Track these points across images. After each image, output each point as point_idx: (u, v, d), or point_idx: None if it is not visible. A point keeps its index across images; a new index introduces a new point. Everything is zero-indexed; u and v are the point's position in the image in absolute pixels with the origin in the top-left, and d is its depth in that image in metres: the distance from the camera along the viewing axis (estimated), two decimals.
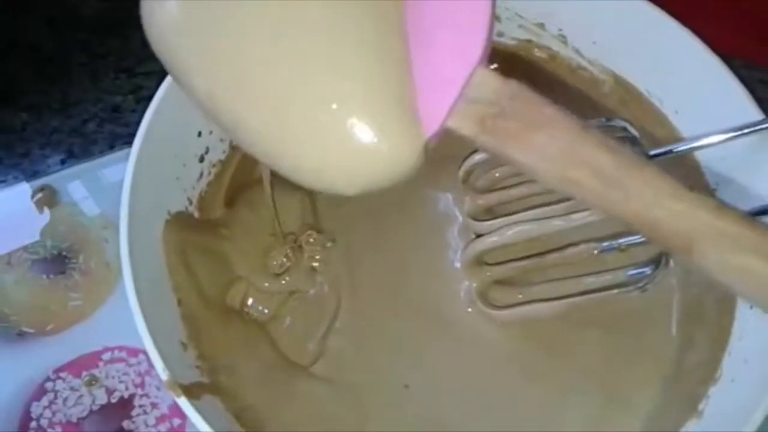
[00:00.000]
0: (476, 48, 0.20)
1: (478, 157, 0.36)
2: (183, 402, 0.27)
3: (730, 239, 0.20)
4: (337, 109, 0.19)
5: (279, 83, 0.20)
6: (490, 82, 0.20)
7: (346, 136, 0.19)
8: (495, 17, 0.20)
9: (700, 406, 0.30)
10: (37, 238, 0.41)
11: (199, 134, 0.35)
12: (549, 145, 0.20)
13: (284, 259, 0.36)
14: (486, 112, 0.20)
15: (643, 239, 0.32)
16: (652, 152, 0.34)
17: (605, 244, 0.33)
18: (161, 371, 0.27)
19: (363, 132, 0.19)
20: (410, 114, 0.20)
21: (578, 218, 0.32)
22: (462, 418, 0.33)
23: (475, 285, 0.35)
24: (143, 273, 0.30)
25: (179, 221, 0.34)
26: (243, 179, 0.38)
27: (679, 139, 0.35)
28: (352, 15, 0.19)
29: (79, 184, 0.42)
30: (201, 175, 0.36)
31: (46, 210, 0.42)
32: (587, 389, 0.34)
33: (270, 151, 0.21)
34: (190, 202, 0.35)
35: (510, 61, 0.39)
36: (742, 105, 0.32)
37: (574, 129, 0.20)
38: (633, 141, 0.34)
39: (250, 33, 0.20)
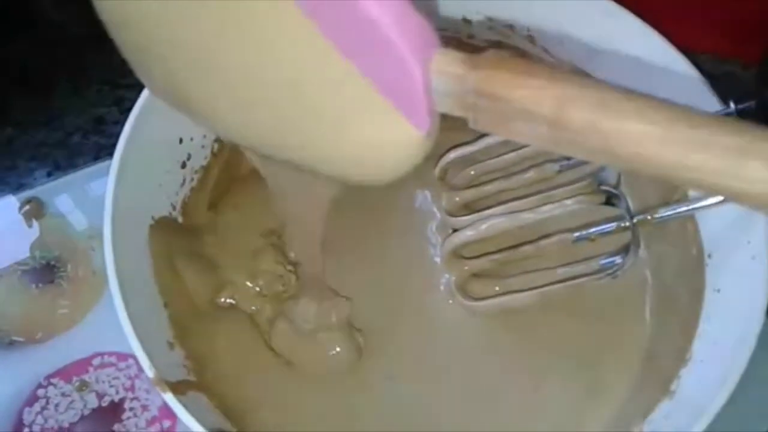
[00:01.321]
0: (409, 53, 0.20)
1: (453, 155, 0.37)
2: (170, 398, 0.27)
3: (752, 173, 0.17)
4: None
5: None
6: (450, 72, 0.20)
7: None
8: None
9: (672, 387, 0.31)
10: (27, 253, 0.42)
11: (180, 141, 0.36)
12: (529, 131, 0.19)
13: (273, 262, 0.37)
14: (463, 101, 0.20)
15: (613, 228, 0.33)
16: None
17: (576, 234, 0.34)
18: (147, 369, 0.28)
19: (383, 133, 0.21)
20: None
21: (546, 210, 0.33)
22: (444, 408, 0.34)
23: (453, 278, 0.36)
24: (129, 277, 0.30)
25: (163, 226, 0.35)
26: (226, 184, 0.39)
27: None
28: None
29: (66, 197, 0.43)
30: (184, 181, 0.37)
31: (35, 224, 0.42)
32: (565, 376, 0.35)
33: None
34: (174, 208, 0.36)
35: None
36: (705, 97, 0.33)
37: (547, 114, 0.19)
38: None
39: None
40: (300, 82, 0.21)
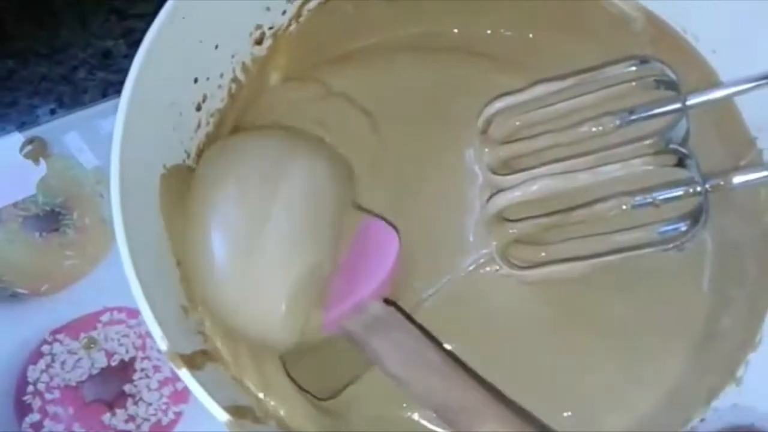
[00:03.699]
0: (368, 289, 0.30)
1: (499, 104, 0.33)
2: (185, 374, 0.25)
3: None
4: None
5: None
6: (373, 309, 0.30)
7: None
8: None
9: (739, 373, 0.28)
10: (33, 191, 0.38)
11: (196, 80, 0.32)
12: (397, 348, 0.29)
13: None
14: (366, 322, 0.30)
15: (681, 193, 0.29)
16: (690, 101, 0.31)
17: (638, 198, 0.30)
18: (160, 341, 0.25)
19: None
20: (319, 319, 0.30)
21: (607, 171, 0.30)
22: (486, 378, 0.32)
23: (495, 243, 0.32)
24: (138, 233, 0.27)
25: (176, 175, 0.31)
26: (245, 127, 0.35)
27: (716, 83, 0.32)
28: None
29: (72, 136, 0.40)
30: (199, 125, 0.33)
31: (42, 162, 0.39)
32: (611, 354, 0.32)
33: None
34: (188, 155, 0.33)
35: None
36: None
37: (410, 356, 0.29)
38: (669, 84, 0.31)
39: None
40: None
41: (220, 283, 0.29)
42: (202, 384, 0.25)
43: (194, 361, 0.26)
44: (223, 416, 0.24)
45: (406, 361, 0.29)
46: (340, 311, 0.30)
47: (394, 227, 0.32)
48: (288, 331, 0.29)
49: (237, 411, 0.25)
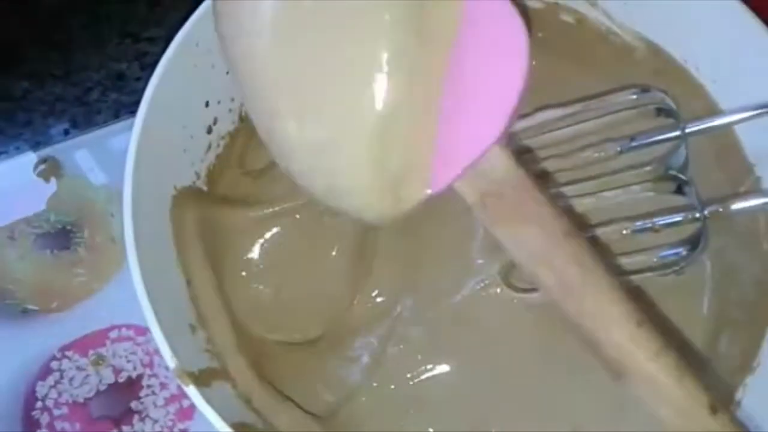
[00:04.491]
0: (496, 128, 0.22)
1: None
2: (192, 392, 0.25)
3: (654, 386, 0.23)
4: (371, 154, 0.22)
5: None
6: (501, 164, 0.22)
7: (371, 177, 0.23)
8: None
9: (737, 396, 0.28)
10: (43, 207, 0.39)
11: (207, 104, 0.33)
12: (528, 242, 0.22)
13: None
14: (487, 189, 0.22)
15: (681, 219, 0.30)
16: (689, 128, 0.32)
17: (638, 223, 0.31)
18: (169, 359, 0.25)
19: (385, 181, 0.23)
20: (424, 174, 0.23)
21: (610, 196, 0.30)
22: (484, 399, 0.32)
23: (498, 265, 0.33)
24: (149, 252, 0.28)
25: (187, 196, 0.32)
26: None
27: (716, 112, 0.33)
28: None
29: (86, 153, 0.41)
30: (209, 147, 0.34)
31: (53, 179, 0.40)
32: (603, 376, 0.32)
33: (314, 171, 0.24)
34: (198, 176, 0.33)
35: (535, 24, 0.36)
36: None
37: (556, 235, 0.23)
38: (669, 113, 0.32)
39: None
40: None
41: (295, 143, 0.23)
42: (209, 401, 0.25)
43: (201, 379, 0.26)
44: None
45: (537, 251, 0.22)
46: (455, 163, 0.22)
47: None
48: (380, 184, 0.22)
49: (243, 428, 0.26)
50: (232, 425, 0.25)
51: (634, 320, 0.23)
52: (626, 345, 0.23)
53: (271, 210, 0.34)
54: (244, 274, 0.34)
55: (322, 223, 0.35)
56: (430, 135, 0.22)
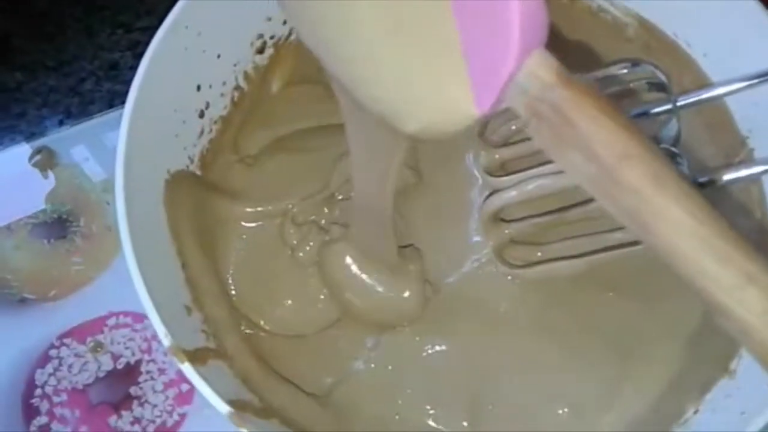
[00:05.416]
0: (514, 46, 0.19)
1: None
2: (187, 368, 0.25)
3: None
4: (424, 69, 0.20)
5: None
6: (540, 76, 0.19)
7: (428, 87, 0.20)
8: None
9: (732, 366, 0.28)
10: (42, 206, 0.39)
11: (198, 88, 0.33)
12: (580, 165, 0.19)
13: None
14: (535, 107, 0.19)
15: None
16: (680, 101, 0.32)
17: None
18: (163, 337, 0.26)
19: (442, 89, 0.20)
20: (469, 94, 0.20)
21: None
22: (481, 378, 0.32)
23: (492, 243, 0.33)
24: (143, 236, 0.28)
25: (180, 181, 0.32)
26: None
27: (708, 85, 0.33)
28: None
29: (79, 146, 0.41)
30: (202, 132, 0.34)
31: (51, 175, 0.40)
32: (607, 348, 0.32)
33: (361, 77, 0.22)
34: (191, 161, 0.33)
35: None
36: None
37: (613, 156, 0.19)
38: (660, 87, 0.32)
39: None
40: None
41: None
42: (204, 378, 0.25)
43: (197, 357, 0.26)
44: (224, 408, 0.25)
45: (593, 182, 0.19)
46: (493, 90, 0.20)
47: None
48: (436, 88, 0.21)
49: (239, 404, 0.26)
50: (229, 402, 0.25)
51: (717, 229, 0.19)
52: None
53: (263, 208, 0.35)
54: (236, 262, 0.34)
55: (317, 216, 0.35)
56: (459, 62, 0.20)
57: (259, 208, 0.35)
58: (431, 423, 0.32)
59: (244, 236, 0.35)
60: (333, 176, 0.35)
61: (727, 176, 0.30)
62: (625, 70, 0.32)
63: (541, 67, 0.19)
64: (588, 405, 0.32)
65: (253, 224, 0.35)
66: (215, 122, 0.35)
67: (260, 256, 0.34)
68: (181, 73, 0.31)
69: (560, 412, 0.32)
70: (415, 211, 0.35)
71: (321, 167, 0.35)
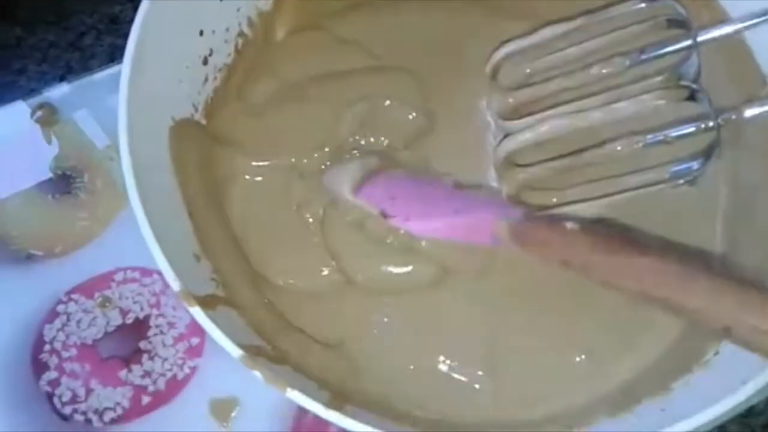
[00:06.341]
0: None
1: (505, 49, 0.33)
2: (197, 312, 0.25)
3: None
4: None
5: None
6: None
7: None
8: None
9: None
10: (49, 174, 0.38)
11: (201, 33, 0.32)
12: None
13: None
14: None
15: (694, 129, 0.29)
16: (700, 37, 0.30)
17: (650, 136, 0.30)
18: (172, 281, 0.25)
19: None
20: None
21: (619, 108, 0.29)
22: (496, 329, 0.32)
23: (505, 188, 0.32)
24: (149, 184, 0.28)
25: (185, 129, 0.31)
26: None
27: (726, 20, 0.32)
28: None
29: (81, 101, 0.40)
30: (206, 79, 0.33)
31: (55, 140, 0.39)
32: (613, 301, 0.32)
33: None
34: (196, 109, 0.33)
35: None
36: None
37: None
38: (679, 23, 0.31)
39: None
40: None
41: None
42: (214, 322, 0.25)
43: (206, 303, 0.26)
44: (236, 351, 0.24)
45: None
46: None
47: None
48: None
49: (251, 349, 0.25)
50: (240, 346, 0.25)
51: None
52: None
53: (269, 162, 0.34)
54: (242, 215, 0.33)
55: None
56: None
57: (265, 162, 0.34)
58: (447, 372, 0.31)
59: (250, 189, 0.34)
60: (342, 125, 0.34)
61: (749, 112, 0.29)
62: (643, 5, 0.31)
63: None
64: (606, 351, 0.31)
65: (259, 178, 0.34)
66: (219, 70, 0.34)
67: (267, 210, 0.34)
68: (183, 17, 0.31)
69: (577, 359, 0.31)
70: (429, 158, 0.34)
71: (328, 117, 0.34)
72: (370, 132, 0.34)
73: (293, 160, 0.34)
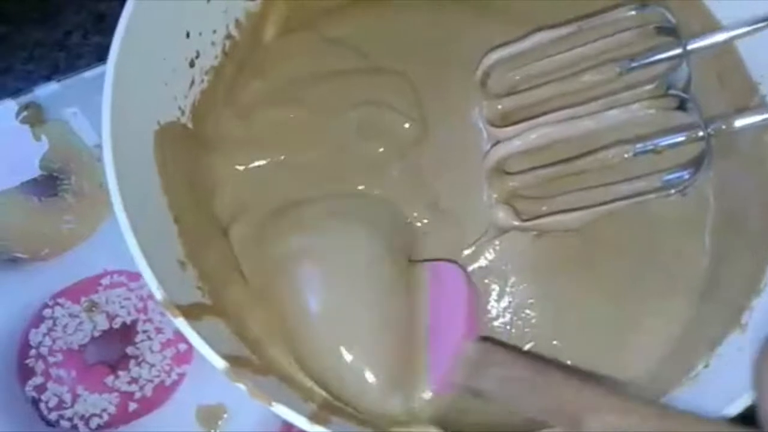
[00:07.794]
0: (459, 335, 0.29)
1: (495, 56, 0.33)
2: (181, 323, 0.24)
3: None
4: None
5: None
6: (470, 352, 0.29)
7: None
8: None
9: (744, 319, 0.28)
10: (38, 172, 0.38)
11: (188, 35, 0.31)
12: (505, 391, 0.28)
13: None
14: (470, 370, 0.28)
15: (684, 139, 0.29)
16: (690, 45, 0.30)
17: (639, 145, 0.30)
18: (155, 290, 0.25)
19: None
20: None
21: (608, 117, 0.29)
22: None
23: (495, 196, 0.32)
24: (134, 189, 0.27)
25: (171, 133, 0.31)
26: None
27: (717, 28, 0.31)
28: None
29: (68, 101, 0.39)
30: (193, 82, 0.33)
31: (44, 138, 0.39)
32: (616, 302, 0.32)
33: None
34: (183, 113, 0.32)
35: None
36: None
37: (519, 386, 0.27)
38: (669, 31, 0.31)
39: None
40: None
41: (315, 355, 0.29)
42: (199, 332, 0.24)
43: (191, 312, 0.25)
44: (220, 363, 0.24)
45: (516, 393, 0.27)
46: (443, 369, 0.28)
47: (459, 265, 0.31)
48: (390, 397, 0.28)
49: (236, 361, 0.25)
50: (225, 357, 0.25)
51: None
52: None
53: (257, 163, 0.33)
54: (230, 220, 0.33)
55: (312, 172, 0.33)
56: (422, 356, 0.29)
57: (254, 164, 0.33)
58: None
59: (239, 192, 0.33)
60: (334, 128, 0.33)
61: (739, 122, 0.29)
62: (633, 12, 0.31)
63: (471, 345, 0.29)
64: (596, 359, 0.31)
65: (247, 182, 0.34)
66: (206, 72, 0.33)
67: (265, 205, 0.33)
68: (169, 19, 0.30)
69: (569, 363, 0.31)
70: (421, 165, 0.33)
71: (319, 120, 0.34)
72: (364, 139, 0.33)
73: (278, 156, 0.33)
